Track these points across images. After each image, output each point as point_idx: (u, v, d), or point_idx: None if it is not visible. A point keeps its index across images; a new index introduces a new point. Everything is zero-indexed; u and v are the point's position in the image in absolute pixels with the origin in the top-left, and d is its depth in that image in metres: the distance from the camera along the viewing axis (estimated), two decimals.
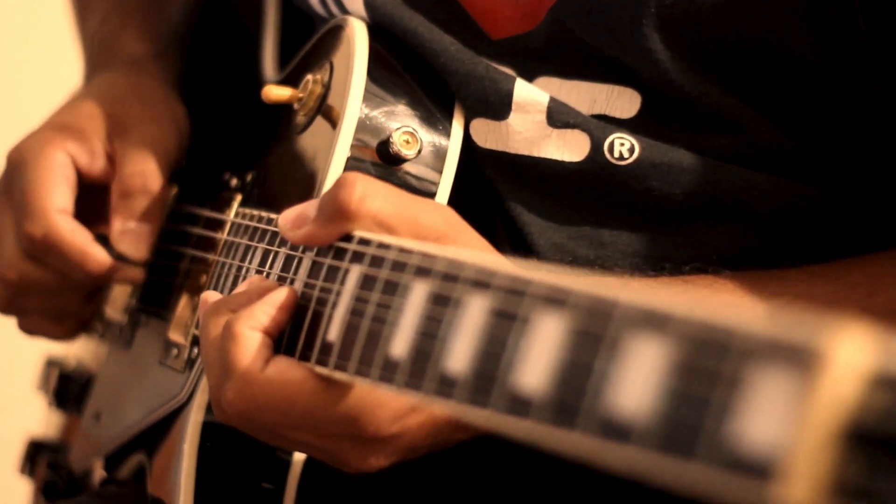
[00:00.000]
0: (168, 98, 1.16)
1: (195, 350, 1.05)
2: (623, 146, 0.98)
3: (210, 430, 1.03)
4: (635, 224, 0.99)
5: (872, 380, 0.56)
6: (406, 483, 1.09)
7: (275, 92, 1.04)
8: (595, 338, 0.68)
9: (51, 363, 1.32)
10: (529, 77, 1.00)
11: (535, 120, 0.99)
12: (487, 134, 1.01)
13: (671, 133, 0.98)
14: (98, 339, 1.24)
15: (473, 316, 0.76)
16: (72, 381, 1.26)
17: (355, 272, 0.87)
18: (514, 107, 0.99)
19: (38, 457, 1.29)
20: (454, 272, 0.79)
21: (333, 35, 1.04)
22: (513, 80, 0.99)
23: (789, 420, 0.58)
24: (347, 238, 0.89)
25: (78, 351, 1.30)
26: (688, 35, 0.94)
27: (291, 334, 0.90)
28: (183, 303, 1.10)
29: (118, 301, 1.20)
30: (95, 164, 1.12)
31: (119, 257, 1.11)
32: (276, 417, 0.88)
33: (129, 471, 1.13)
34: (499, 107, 0.99)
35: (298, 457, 1.02)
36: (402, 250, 0.85)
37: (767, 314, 0.61)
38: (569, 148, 0.99)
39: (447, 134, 1.00)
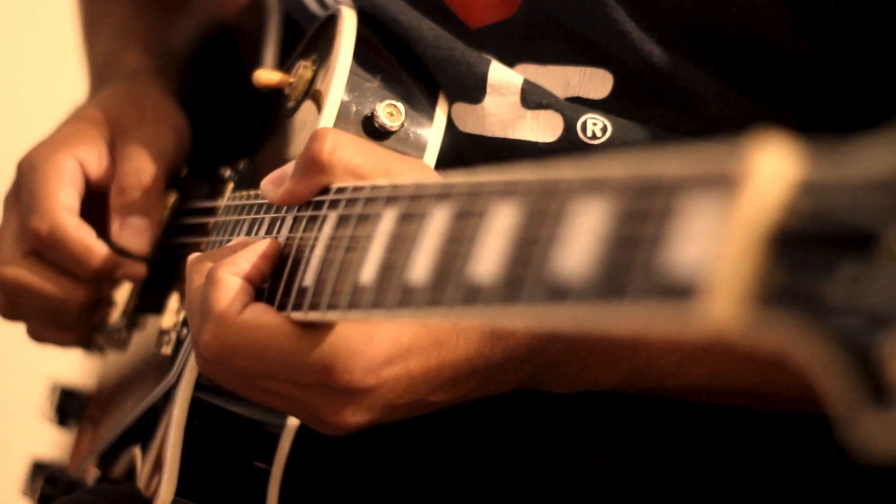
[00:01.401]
0: (168, 105, 1.20)
1: (184, 330, 1.07)
2: (595, 126, 1.00)
3: (198, 407, 1.04)
4: None
5: (793, 186, 0.57)
6: (395, 468, 1.09)
7: (265, 76, 1.07)
8: (541, 213, 0.69)
9: (55, 388, 1.33)
10: (509, 65, 1.03)
11: (510, 102, 1.01)
12: (466, 118, 1.04)
13: (643, 112, 1.00)
14: (99, 352, 1.26)
15: (437, 224, 0.78)
16: (73, 399, 1.27)
17: (332, 217, 0.89)
18: (488, 89, 1.02)
19: (40, 476, 1.29)
20: (419, 192, 0.81)
21: (327, 25, 1.08)
22: (487, 63, 1.02)
23: (714, 237, 0.59)
24: (326, 191, 0.92)
25: (84, 374, 1.32)
26: (654, 6, 0.97)
27: (272, 286, 0.92)
28: (176, 295, 1.12)
29: (119, 306, 1.22)
30: (102, 169, 1.16)
31: (122, 253, 1.13)
32: (250, 363, 0.89)
33: (121, 469, 1.14)
34: (474, 90, 1.02)
35: (287, 436, 1.02)
36: (374, 187, 0.87)
37: (697, 151, 0.62)
38: (542, 129, 1.01)
39: (431, 109, 1.03)
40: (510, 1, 1.03)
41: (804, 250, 0.56)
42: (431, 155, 1.02)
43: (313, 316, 0.87)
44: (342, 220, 0.88)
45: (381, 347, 0.88)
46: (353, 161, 0.89)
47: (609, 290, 0.63)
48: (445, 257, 0.76)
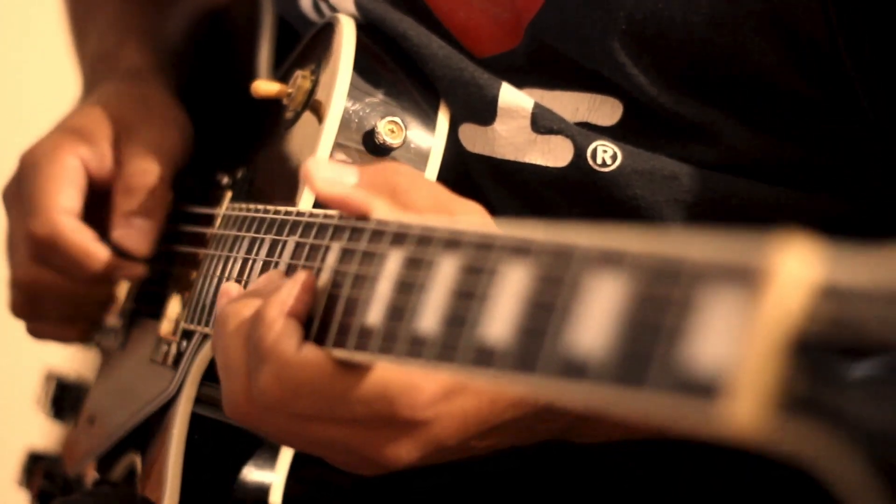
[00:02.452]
0: (171, 104, 1.18)
1: (184, 343, 1.06)
2: (606, 153, 0.99)
3: (198, 422, 1.03)
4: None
5: (817, 290, 0.56)
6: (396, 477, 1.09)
7: (263, 87, 1.05)
8: (556, 280, 0.69)
9: (50, 377, 1.33)
10: (515, 88, 1.01)
11: (520, 125, 1.00)
12: (475, 139, 1.02)
13: (653, 141, 0.99)
14: (94, 347, 1.25)
15: (445, 275, 0.77)
16: (69, 391, 1.26)
17: (335, 248, 0.88)
18: (499, 112, 1.00)
19: (37, 468, 1.29)
20: (427, 235, 0.80)
21: (324, 33, 1.06)
22: (498, 86, 1.00)
23: (736, 336, 0.58)
24: (330, 216, 0.90)
25: (78, 365, 1.31)
26: (657, 50, 0.96)
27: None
28: (173, 300, 1.11)
29: (115, 305, 1.21)
30: (105, 167, 1.14)
31: (121, 255, 1.12)
32: (311, 403, 0.84)
33: (121, 472, 1.14)
34: (484, 112, 1.01)
35: (288, 449, 1.02)
36: (379, 222, 0.86)
37: (719, 239, 0.61)
38: (553, 153, 1.00)
39: (433, 124, 1.01)
40: (514, 32, 1.01)
41: (827, 358, 0.56)
42: (434, 163, 1.01)
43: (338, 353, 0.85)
44: (346, 254, 0.87)
45: (439, 381, 0.85)
46: (418, 206, 0.87)
47: (628, 375, 0.62)
48: (455, 312, 0.75)
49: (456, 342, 0.74)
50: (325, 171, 0.87)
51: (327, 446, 0.88)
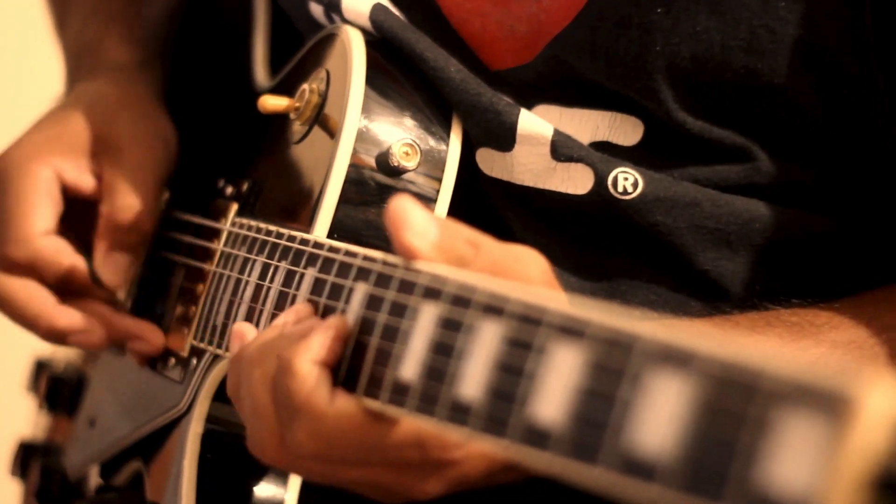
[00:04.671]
0: (156, 112, 1.14)
1: (193, 361, 1.05)
2: (627, 180, 0.97)
3: (210, 441, 1.03)
4: (640, 257, 0.98)
5: None
6: None
7: (271, 102, 1.02)
8: (615, 372, 0.68)
9: (39, 364, 1.31)
10: (529, 105, 0.99)
11: (540, 153, 0.98)
12: (493, 163, 1.00)
13: (675, 161, 0.97)
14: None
15: (487, 343, 0.76)
16: (62, 384, 1.25)
17: (360, 290, 0.86)
18: (518, 139, 0.98)
19: (30, 459, 1.28)
20: (465, 295, 0.79)
21: (328, 42, 1.03)
22: (517, 112, 0.98)
23: (820, 466, 0.58)
24: (352, 254, 0.88)
25: (66, 351, 1.29)
26: (692, 75, 0.94)
27: None
28: (179, 311, 1.09)
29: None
30: (82, 180, 1.10)
31: (95, 281, 1.10)
32: (347, 453, 0.84)
33: (125, 478, 1.13)
34: (503, 139, 0.99)
35: None
36: (407, 270, 0.84)
37: (795, 357, 0.61)
38: (573, 181, 0.98)
39: (446, 142, 0.99)
40: (529, 48, 0.99)
41: None
42: (448, 183, 0.99)
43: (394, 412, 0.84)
44: (372, 300, 0.85)
45: None
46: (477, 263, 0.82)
47: (703, 487, 0.62)
48: (501, 386, 0.74)
49: (505, 417, 0.73)
50: (418, 221, 0.82)
51: (357, 484, 0.88)
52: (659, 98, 0.95)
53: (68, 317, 1.09)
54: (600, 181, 0.97)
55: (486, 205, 1.01)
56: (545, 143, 0.98)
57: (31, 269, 1.08)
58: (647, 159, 0.97)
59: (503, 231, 1.00)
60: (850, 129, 0.95)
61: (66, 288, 1.10)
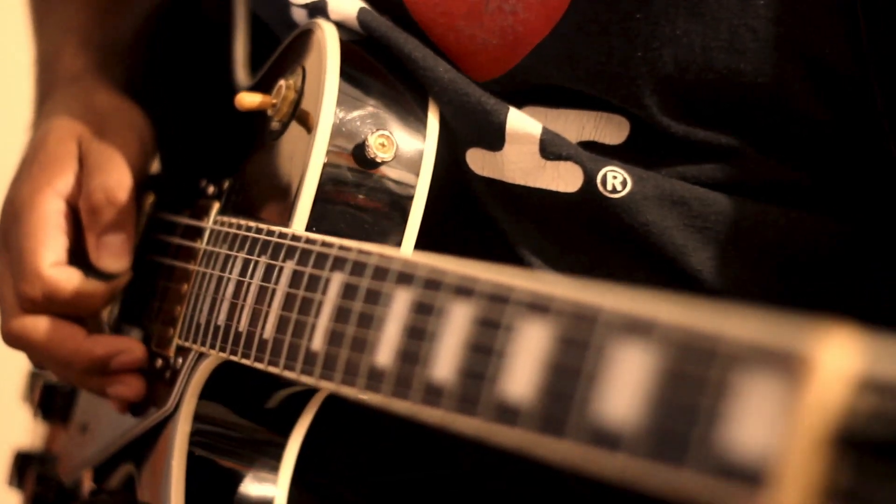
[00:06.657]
0: (122, 106, 1.14)
1: (179, 360, 1.05)
2: (616, 179, 0.97)
3: (198, 440, 1.03)
4: (632, 257, 0.98)
5: (859, 384, 0.56)
6: (396, 481, 1.09)
7: (248, 99, 1.03)
8: (580, 344, 0.68)
9: (35, 374, 1.31)
10: (517, 107, 0.99)
11: (529, 151, 0.98)
12: (483, 162, 1.00)
13: (662, 161, 0.97)
14: None
15: (457, 324, 0.76)
16: (55, 392, 1.25)
17: (336, 280, 0.87)
18: (507, 138, 0.98)
19: (26, 469, 1.28)
20: (436, 278, 0.79)
21: (304, 39, 1.04)
22: (505, 111, 0.98)
23: (778, 426, 0.58)
24: (329, 244, 0.89)
25: None
26: (677, 80, 0.94)
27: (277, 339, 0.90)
28: (165, 312, 1.09)
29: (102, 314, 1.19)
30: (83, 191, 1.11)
31: (103, 276, 1.10)
32: None
33: (118, 481, 1.13)
34: (493, 138, 0.99)
35: (289, 458, 1.02)
36: (382, 256, 0.84)
37: (753, 319, 0.61)
38: (563, 179, 0.98)
39: (423, 134, 0.99)
40: (505, 59, 0.98)
41: (868, 452, 0.56)
42: (425, 175, 0.99)
43: (325, 385, 0.86)
44: (349, 289, 0.86)
45: None
46: None
47: (666, 453, 0.62)
48: (472, 366, 0.74)
49: (475, 396, 0.74)
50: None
51: None
52: (643, 104, 0.95)
53: (104, 343, 1.08)
54: (589, 179, 0.97)
55: (476, 205, 1.01)
56: (534, 141, 0.98)
57: (50, 304, 1.07)
58: (634, 158, 0.97)
59: (494, 231, 1.00)
60: (843, 126, 0.95)
61: (87, 312, 1.10)
